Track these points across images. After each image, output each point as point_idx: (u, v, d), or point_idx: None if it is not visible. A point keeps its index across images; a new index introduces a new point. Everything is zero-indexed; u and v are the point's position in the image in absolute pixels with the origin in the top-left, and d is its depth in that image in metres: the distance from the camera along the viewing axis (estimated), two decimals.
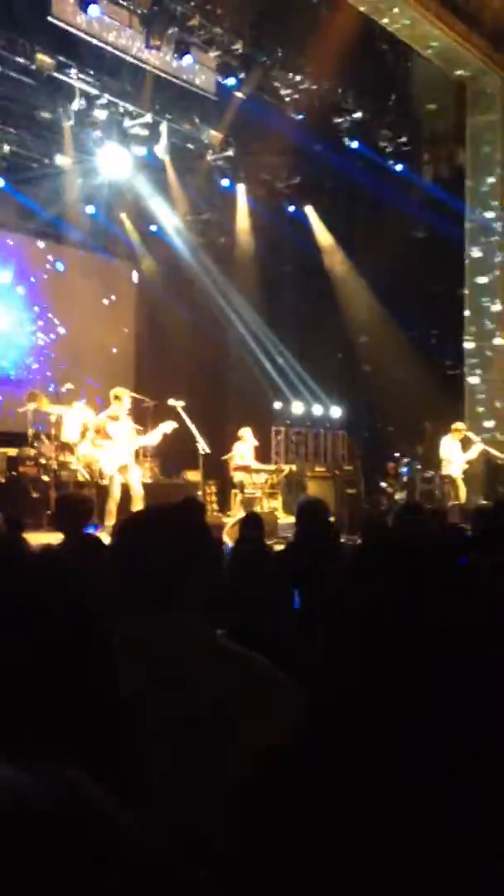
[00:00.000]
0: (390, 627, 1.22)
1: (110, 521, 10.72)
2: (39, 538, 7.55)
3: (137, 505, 10.77)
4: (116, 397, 11.56)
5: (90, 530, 6.11)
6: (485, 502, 12.01)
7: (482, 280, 15.48)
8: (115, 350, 18.79)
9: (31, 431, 13.19)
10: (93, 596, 1.26)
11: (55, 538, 6.13)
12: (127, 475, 11.29)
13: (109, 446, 11.37)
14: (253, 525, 6.57)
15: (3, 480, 12.82)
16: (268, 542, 7.29)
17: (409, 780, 1.20)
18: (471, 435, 13.99)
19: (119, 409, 11.48)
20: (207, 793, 1.58)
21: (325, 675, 1.27)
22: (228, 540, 8.55)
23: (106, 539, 6.62)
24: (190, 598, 1.82)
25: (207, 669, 1.74)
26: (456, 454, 13.75)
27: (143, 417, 13.37)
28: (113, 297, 19.15)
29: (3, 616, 1.10)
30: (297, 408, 18.51)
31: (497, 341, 15.32)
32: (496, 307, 15.37)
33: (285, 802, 1.28)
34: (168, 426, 11.41)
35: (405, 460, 16.36)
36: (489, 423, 15.09)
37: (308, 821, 1.23)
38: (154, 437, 11.56)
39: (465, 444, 13.86)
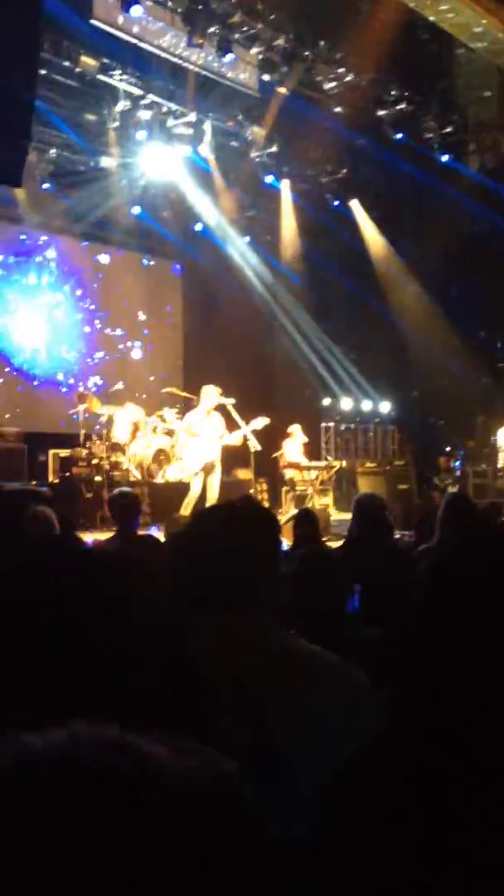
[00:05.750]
0: (474, 638, 1.19)
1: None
2: (94, 538, 7.61)
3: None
4: (207, 395, 11.24)
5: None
6: None
7: None
8: (162, 349, 18.85)
9: (82, 432, 13.29)
10: (153, 591, 1.24)
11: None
12: (211, 475, 11.04)
13: (196, 443, 11.14)
14: (307, 522, 6.48)
15: (57, 481, 12.93)
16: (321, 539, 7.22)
17: (493, 785, 1.17)
18: None
19: (209, 405, 11.17)
20: (282, 795, 1.55)
21: (409, 679, 1.24)
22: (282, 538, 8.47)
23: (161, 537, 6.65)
24: (262, 597, 1.79)
25: (280, 669, 1.70)
26: None
27: None
28: (160, 297, 19.20)
29: (68, 608, 1.09)
30: (346, 403, 18.38)
31: None
32: None
33: (366, 805, 1.25)
34: (259, 422, 11.22)
35: (457, 454, 16.18)
36: None
37: (387, 823, 1.20)
38: (240, 434, 11.19)
39: None
